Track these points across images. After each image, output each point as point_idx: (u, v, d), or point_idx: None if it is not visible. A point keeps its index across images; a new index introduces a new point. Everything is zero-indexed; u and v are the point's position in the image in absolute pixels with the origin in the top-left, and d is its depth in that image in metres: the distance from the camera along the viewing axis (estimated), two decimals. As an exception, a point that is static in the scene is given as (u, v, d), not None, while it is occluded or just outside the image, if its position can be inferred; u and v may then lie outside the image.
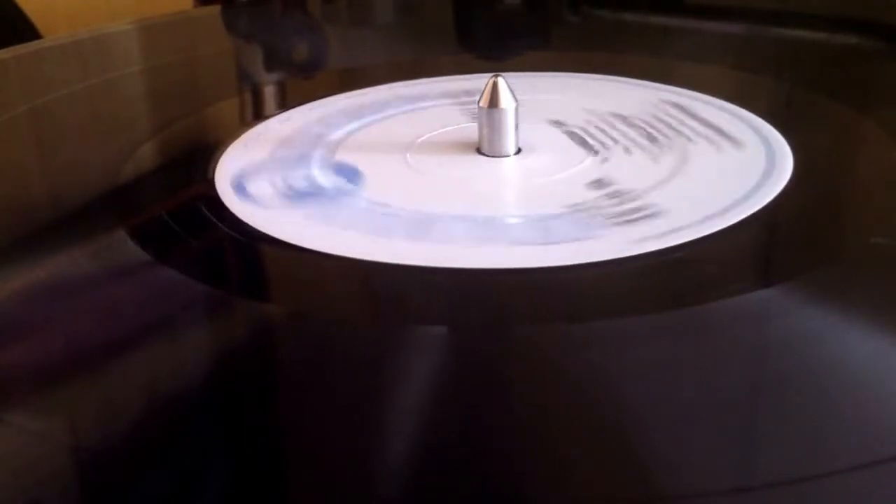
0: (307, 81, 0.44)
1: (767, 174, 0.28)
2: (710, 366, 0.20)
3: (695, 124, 0.33)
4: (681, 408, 0.19)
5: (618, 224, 0.26)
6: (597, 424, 0.19)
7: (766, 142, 0.31)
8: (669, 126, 0.33)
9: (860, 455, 0.17)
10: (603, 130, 0.32)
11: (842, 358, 0.20)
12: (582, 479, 0.17)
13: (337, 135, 0.34)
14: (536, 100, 0.35)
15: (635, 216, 0.26)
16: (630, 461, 0.18)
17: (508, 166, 0.30)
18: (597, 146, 0.31)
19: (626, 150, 0.31)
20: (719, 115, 0.33)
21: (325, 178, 0.30)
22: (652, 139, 0.32)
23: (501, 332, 0.22)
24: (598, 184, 0.28)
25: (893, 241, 0.25)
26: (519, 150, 0.31)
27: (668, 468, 0.17)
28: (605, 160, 0.30)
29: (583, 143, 0.31)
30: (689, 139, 0.31)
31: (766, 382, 0.20)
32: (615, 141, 0.32)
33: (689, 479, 0.17)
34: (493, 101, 0.30)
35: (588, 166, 0.30)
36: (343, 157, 0.32)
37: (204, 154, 0.33)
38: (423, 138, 0.33)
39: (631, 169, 0.29)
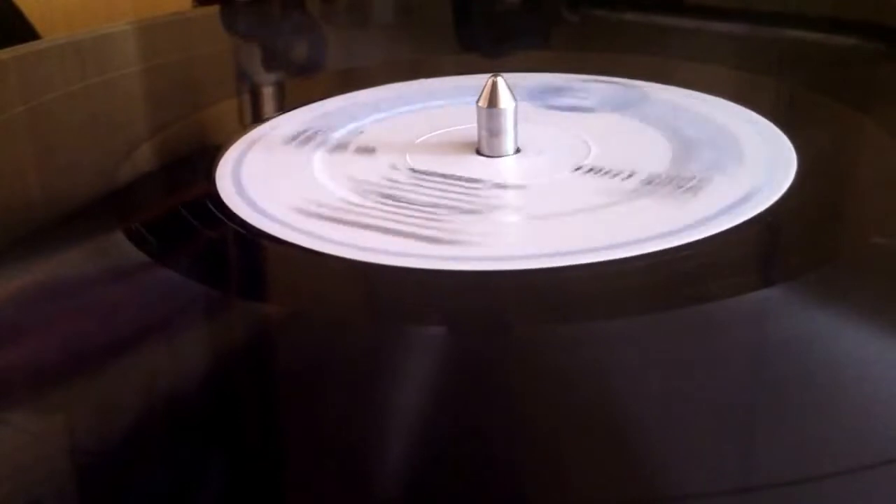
0: (306, 81, 0.44)
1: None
2: (712, 365, 0.20)
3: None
4: (682, 408, 0.19)
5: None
6: (597, 425, 0.19)
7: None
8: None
9: (861, 456, 0.17)
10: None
11: (843, 358, 0.20)
12: (583, 480, 0.17)
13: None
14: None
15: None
16: (631, 462, 0.18)
17: (507, 166, 0.30)
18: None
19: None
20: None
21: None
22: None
23: (500, 333, 0.22)
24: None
25: (895, 241, 0.25)
26: (518, 150, 0.31)
27: (670, 469, 0.17)
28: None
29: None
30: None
31: (767, 382, 0.20)
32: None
33: (691, 480, 0.17)
34: (493, 101, 0.30)
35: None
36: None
37: (203, 154, 0.33)
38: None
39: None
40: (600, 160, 0.30)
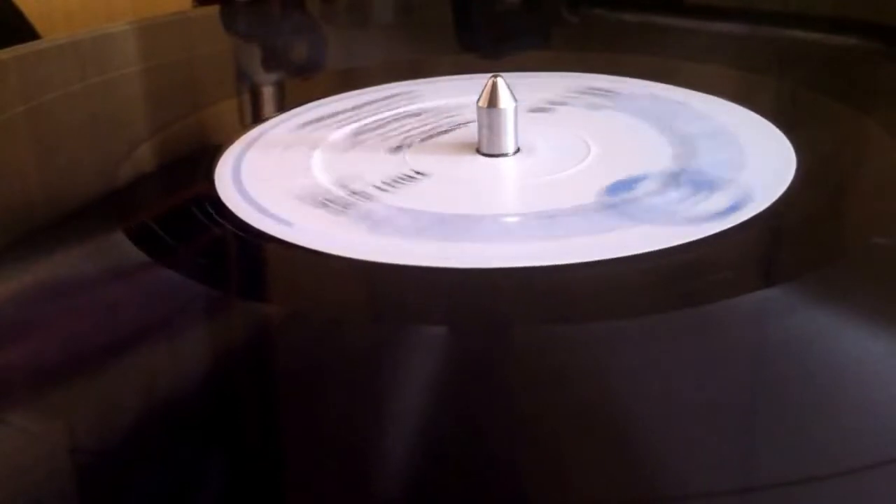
0: (306, 82, 0.44)
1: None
2: (712, 365, 0.20)
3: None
4: (683, 408, 0.19)
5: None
6: (597, 425, 0.19)
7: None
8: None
9: (861, 456, 0.17)
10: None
11: (843, 358, 0.20)
12: (584, 480, 0.17)
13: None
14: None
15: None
16: (632, 462, 0.18)
17: (508, 166, 0.30)
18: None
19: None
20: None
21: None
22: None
23: (501, 332, 0.22)
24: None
25: (894, 241, 0.25)
26: (518, 150, 0.31)
27: (670, 469, 0.17)
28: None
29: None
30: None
31: (767, 382, 0.20)
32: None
33: (691, 480, 0.17)
34: (493, 101, 0.30)
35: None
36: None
37: (203, 155, 0.33)
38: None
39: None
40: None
